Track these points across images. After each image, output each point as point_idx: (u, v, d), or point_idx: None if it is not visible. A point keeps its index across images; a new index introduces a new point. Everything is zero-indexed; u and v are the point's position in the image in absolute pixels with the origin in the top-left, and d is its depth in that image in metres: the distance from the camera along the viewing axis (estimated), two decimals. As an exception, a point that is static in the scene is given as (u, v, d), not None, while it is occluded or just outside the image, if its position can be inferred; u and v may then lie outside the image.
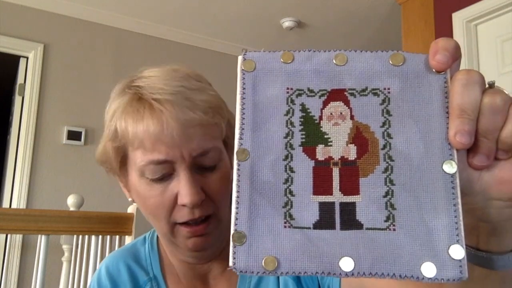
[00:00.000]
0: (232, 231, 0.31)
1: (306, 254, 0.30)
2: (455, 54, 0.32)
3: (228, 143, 0.64)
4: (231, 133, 0.65)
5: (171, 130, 0.55)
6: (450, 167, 0.31)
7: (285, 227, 0.31)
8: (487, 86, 0.32)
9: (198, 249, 0.61)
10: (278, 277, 0.65)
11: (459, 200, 0.30)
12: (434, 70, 0.33)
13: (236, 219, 0.31)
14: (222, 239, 0.66)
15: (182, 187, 0.57)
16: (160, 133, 0.56)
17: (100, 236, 1.95)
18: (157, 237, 0.72)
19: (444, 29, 2.72)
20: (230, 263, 0.30)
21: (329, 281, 0.60)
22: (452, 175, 0.31)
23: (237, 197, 0.31)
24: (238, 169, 0.32)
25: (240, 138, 0.33)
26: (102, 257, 1.94)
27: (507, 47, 2.46)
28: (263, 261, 0.30)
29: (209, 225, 0.60)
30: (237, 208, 0.31)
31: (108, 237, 1.98)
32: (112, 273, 0.70)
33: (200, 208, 0.58)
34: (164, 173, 0.58)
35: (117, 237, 1.99)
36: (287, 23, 3.39)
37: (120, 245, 1.98)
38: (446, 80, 0.32)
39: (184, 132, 0.56)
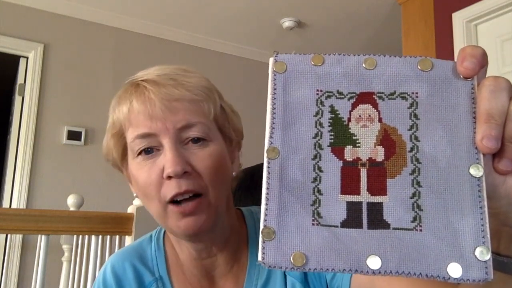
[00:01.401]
0: (261, 227, 0.31)
1: (334, 251, 0.31)
2: (482, 61, 0.33)
3: (223, 130, 0.65)
4: (226, 120, 0.66)
5: (153, 105, 0.59)
6: (477, 171, 0.32)
7: (313, 224, 0.32)
8: None
9: (191, 231, 0.60)
10: (285, 279, 0.65)
11: (485, 203, 0.31)
12: (461, 76, 0.34)
13: (266, 215, 0.32)
14: (222, 229, 0.65)
15: (166, 159, 0.58)
16: (144, 108, 0.59)
17: (100, 236, 1.95)
18: (163, 236, 0.72)
19: (444, 29, 2.72)
20: (259, 258, 0.31)
21: (339, 283, 0.60)
22: (479, 179, 0.32)
23: (267, 193, 0.32)
24: (268, 167, 0.33)
25: (271, 137, 0.34)
26: (102, 257, 1.94)
27: (507, 47, 2.46)
28: (292, 256, 0.31)
29: (198, 205, 0.59)
30: (266, 204, 0.32)
31: (108, 237, 1.98)
32: (117, 272, 0.70)
33: (186, 181, 0.58)
34: (150, 146, 0.60)
35: (117, 237, 1.99)
36: (287, 23, 3.39)
37: (120, 245, 1.99)
38: (473, 86, 0.33)
39: (167, 106, 0.59)
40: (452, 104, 0.33)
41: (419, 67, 0.34)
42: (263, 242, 0.31)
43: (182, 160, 0.58)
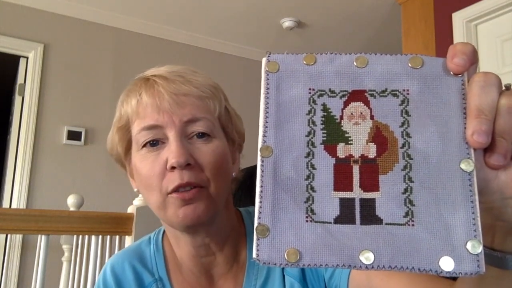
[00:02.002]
0: (255, 224, 0.32)
1: (327, 247, 0.31)
2: (472, 58, 0.33)
3: (226, 130, 0.66)
4: (229, 121, 0.67)
5: (161, 98, 0.60)
6: (468, 165, 0.32)
7: (306, 221, 0.32)
8: (503, 88, 0.33)
9: (189, 220, 0.59)
10: (284, 279, 0.65)
11: (476, 197, 0.31)
12: (452, 73, 0.34)
13: (260, 212, 0.32)
14: (221, 226, 0.65)
15: (170, 150, 0.59)
16: (152, 101, 0.61)
17: (100, 236, 1.95)
18: (162, 237, 0.73)
19: (444, 29, 2.72)
20: (254, 255, 0.31)
21: (337, 282, 0.60)
22: (470, 173, 0.32)
23: (261, 191, 0.33)
24: (261, 165, 0.33)
25: (264, 136, 0.34)
26: (102, 257, 1.94)
27: (507, 47, 2.46)
28: (286, 253, 0.31)
29: (198, 193, 0.59)
30: (260, 202, 0.32)
31: (108, 237, 1.98)
32: (117, 273, 0.70)
33: (189, 173, 0.59)
34: (156, 138, 0.61)
35: (117, 237, 1.99)
36: (287, 23, 3.39)
37: (120, 245, 1.99)
38: (464, 83, 0.34)
39: (175, 100, 0.60)
40: (443, 101, 0.34)
41: (409, 65, 0.35)
42: (258, 239, 0.31)
43: (186, 152, 0.59)
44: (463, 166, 0.32)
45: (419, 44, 2.84)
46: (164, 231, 0.73)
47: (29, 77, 2.99)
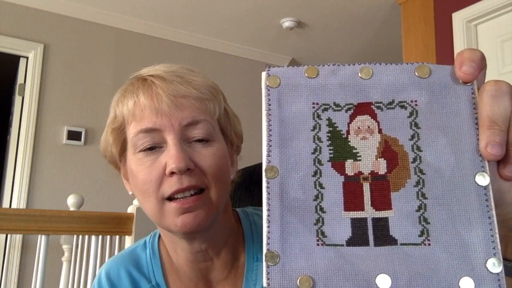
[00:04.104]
0: (264, 251, 0.30)
1: (341, 272, 0.30)
2: (481, 65, 0.32)
3: (225, 132, 0.65)
4: (228, 123, 0.66)
5: (160, 100, 0.58)
6: (483, 179, 0.31)
7: (317, 245, 0.31)
8: None
9: (188, 228, 0.58)
10: None
11: (494, 212, 0.30)
12: (460, 81, 0.33)
13: (268, 238, 0.31)
14: (219, 230, 0.64)
15: (169, 155, 0.57)
16: (150, 103, 0.58)
17: (100, 236, 1.95)
18: (158, 242, 0.71)
19: (444, 29, 2.72)
20: (264, 284, 0.30)
21: None
22: (485, 187, 0.31)
23: (268, 215, 0.31)
24: (267, 187, 0.32)
25: (268, 155, 0.32)
26: (102, 257, 1.94)
27: (507, 47, 2.46)
28: (298, 280, 0.30)
29: (198, 201, 0.57)
30: (268, 227, 0.31)
31: (108, 237, 1.98)
32: (113, 279, 0.68)
33: (189, 177, 0.57)
34: (154, 142, 0.58)
35: (117, 237, 1.99)
36: (287, 23, 3.38)
37: (120, 245, 1.99)
38: (474, 91, 0.33)
39: (174, 102, 0.58)
40: (453, 111, 0.32)
41: (416, 74, 0.33)
42: (267, 267, 0.30)
43: (185, 156, 0.57)
44: (478, 180, 0.31)
45: (419, 44, 2.84)
46: (160, 235, 0.71)
47: (29, 77, 2.99)
